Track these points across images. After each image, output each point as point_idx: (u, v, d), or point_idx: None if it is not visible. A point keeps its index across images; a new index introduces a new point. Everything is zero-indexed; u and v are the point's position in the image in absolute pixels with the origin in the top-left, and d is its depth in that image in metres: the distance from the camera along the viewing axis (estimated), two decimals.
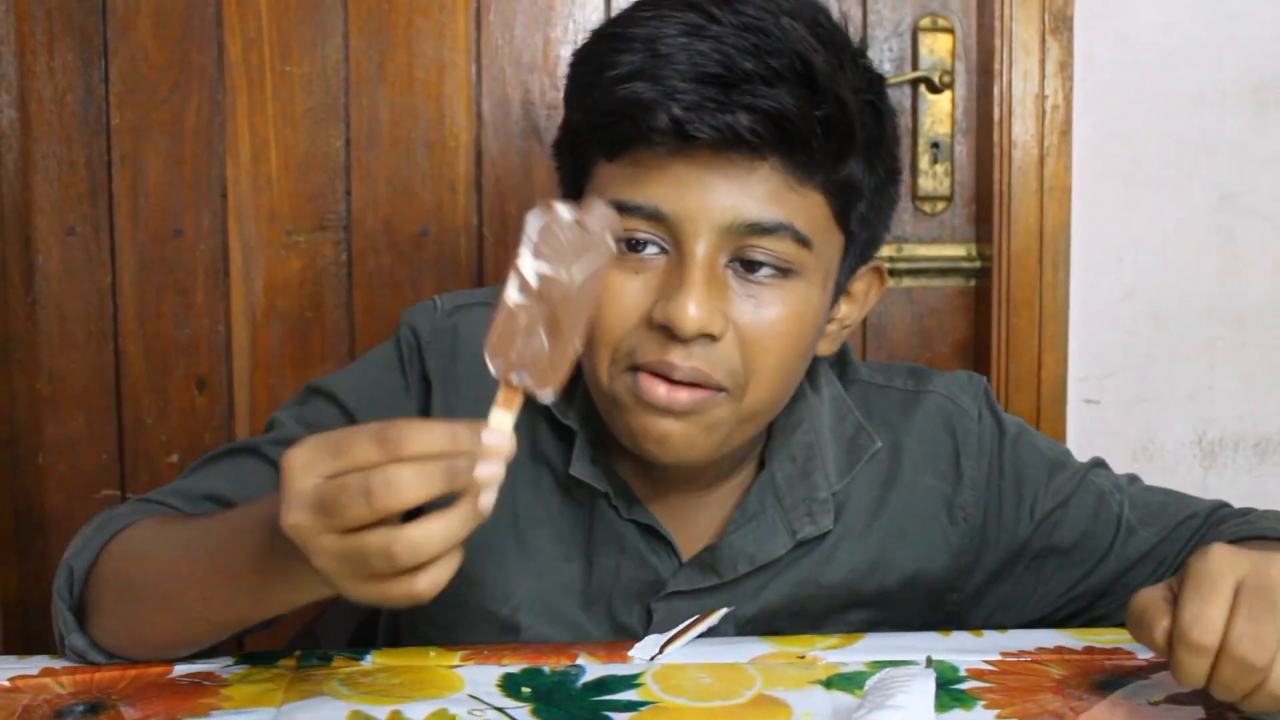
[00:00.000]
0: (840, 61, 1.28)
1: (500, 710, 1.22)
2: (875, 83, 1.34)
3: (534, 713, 1.22)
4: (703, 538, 1.45)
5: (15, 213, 2.18)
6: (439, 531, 1.01)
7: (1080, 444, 2.17)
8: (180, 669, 1.31)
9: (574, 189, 1.37)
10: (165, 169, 2.19)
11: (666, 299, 1.25)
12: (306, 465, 1.03)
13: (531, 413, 1.43)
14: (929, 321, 2.28)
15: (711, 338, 1.26)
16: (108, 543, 1.32)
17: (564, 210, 1.10)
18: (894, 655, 1.33)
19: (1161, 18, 2.21)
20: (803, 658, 1.34)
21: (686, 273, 1.25)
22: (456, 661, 1.33)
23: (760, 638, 1.40)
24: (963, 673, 1.30)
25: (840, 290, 1.38)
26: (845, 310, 1.42)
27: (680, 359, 1.25)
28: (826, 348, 1.42)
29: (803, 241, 1.27)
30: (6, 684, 1.28)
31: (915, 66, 2.21)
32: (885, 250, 2.14)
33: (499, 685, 1.28)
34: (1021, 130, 2.19)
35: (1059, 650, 1.36)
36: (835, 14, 1.34)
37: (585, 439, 1.40)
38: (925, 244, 2.23)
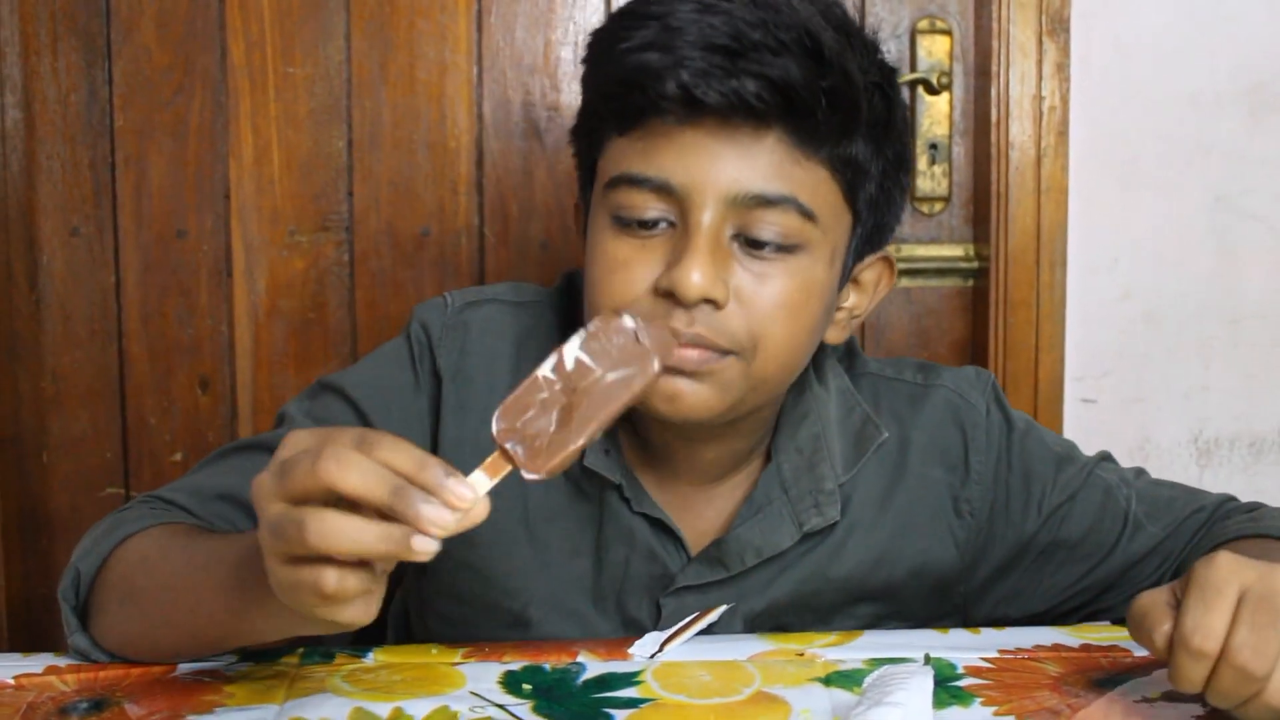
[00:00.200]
0: (850, 43, 1.30)
1: (501, 707, 1.23)
2: (886, 72, 1.37)
3: (535, 710, 1.22)
4: (710, 532, 1.46)
5: (20, 213, 2.18)
6: (350, 528, 0.99)
7: (1077, 443, 2.15)
8: (184, 667, 1.31)
9: (588, 169, 1.40)
10: (169, 170, 2.19)
11: (671, 267, 1.27)
12: (267, 492, 1.04)
13: None
14: (927, 321, 2.28)
15: (715, 305, 1.27)
16: (116, 547, 1.33)
17: (628, 319, 1.13)
18: (892, 653, 1.34)
19: (1158, 20, 2.21)
20: (802, 655, 1.34)
21: (691, 241, 1.27)
22: (458, 659, 1.34)
23: (759, 635, 1.41)
24: (960, 670, 1.31)
25: (848, 273, 1.39)
26: (855, 300, 1.43)
27: (683, 324, 1.26)
28: (835, 335, 1.43)
29: (807, 215, 1.29)
30: (11, 681, 1.29)
31: (913, 68, 2.21)
32: None
33: (500, 682, 1.28)
34: (1019, 131, 2.19)
35: (1056, 648, 1.37)
36: None
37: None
38: (923, 244, 2.24)
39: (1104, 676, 1.30)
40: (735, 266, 1.29)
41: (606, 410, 1.09)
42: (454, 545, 1.43)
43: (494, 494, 1.03)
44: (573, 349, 1.10)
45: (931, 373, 1.54)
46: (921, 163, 2.22)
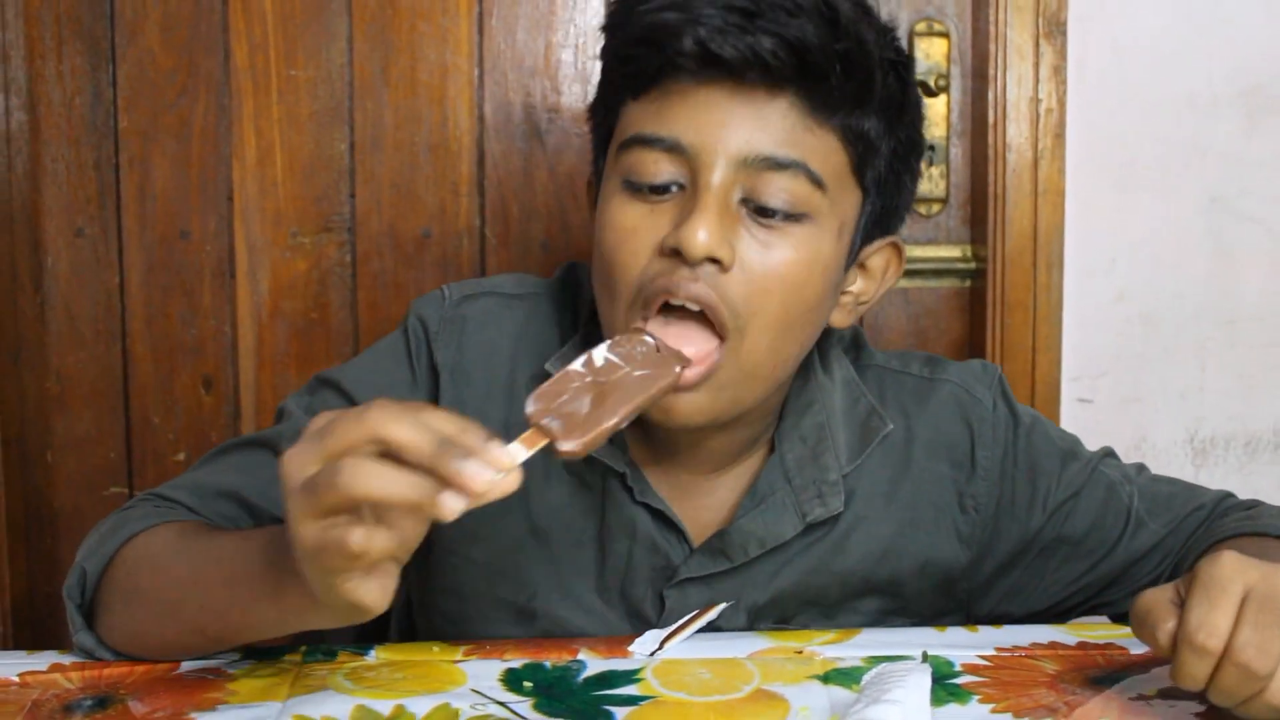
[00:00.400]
0: (866, 17, 1.31)
1: (502, 704, 1.23)
2: (902, 56, 1.37)
3: (536, 707, 1.23)
4: (713, 523, 1.45)
5: (24, 214, 2.18)
6: (387, 472, 1.00)
7: None
8: (187, 665, 1.32)
9: (602, 141, 1.39)
10: (172, 172, 2.19)
11: (678, 226, 1.27)
12: (301, 457, 1.05)
13: None
14: (925, 322, 2.28)
15: (720, 266, 1.27)
16: (121, 546, 1.33)
17: (649, 336, 1.25)
18: (890, 650, 1.35)
19: (1154, 23, 2.21)
20: (800, 653, 1.35)
21: (700, 200, 1.27)
22: (459, 656, 1.34)
23: (758, 632, 1.42)
24: (958, 667, 1.32)
25: (855, 253, 1.39)
26: (862, 285, 1.43)
27: (687, 282, 1.27)
28: (841, 319, 1.42)
29: (816, 182, 1.29)
30: (16, 679, 1.30)
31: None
32: None
33: (501, 680, 1.29)
34: (1016, 134, 2.19)
35: (1053, 645, 1.37)
36: None
37: None
38: (921, 245, 2.24)
39: (1101, 674, 1.30)
40: (741, 231, 1.29)
41: (636, 397, 1.18)
42: (457, 542, 1.45)
43: None
44: (601, 351, 1.21)
45: (938, 366, 1.54)
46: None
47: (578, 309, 1.49)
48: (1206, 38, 2.22)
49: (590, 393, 1.17)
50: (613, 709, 1.23)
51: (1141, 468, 1.58)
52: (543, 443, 1.11)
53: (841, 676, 1.29)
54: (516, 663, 1.33)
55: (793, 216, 1.29)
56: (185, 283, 2.22)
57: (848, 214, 1.34)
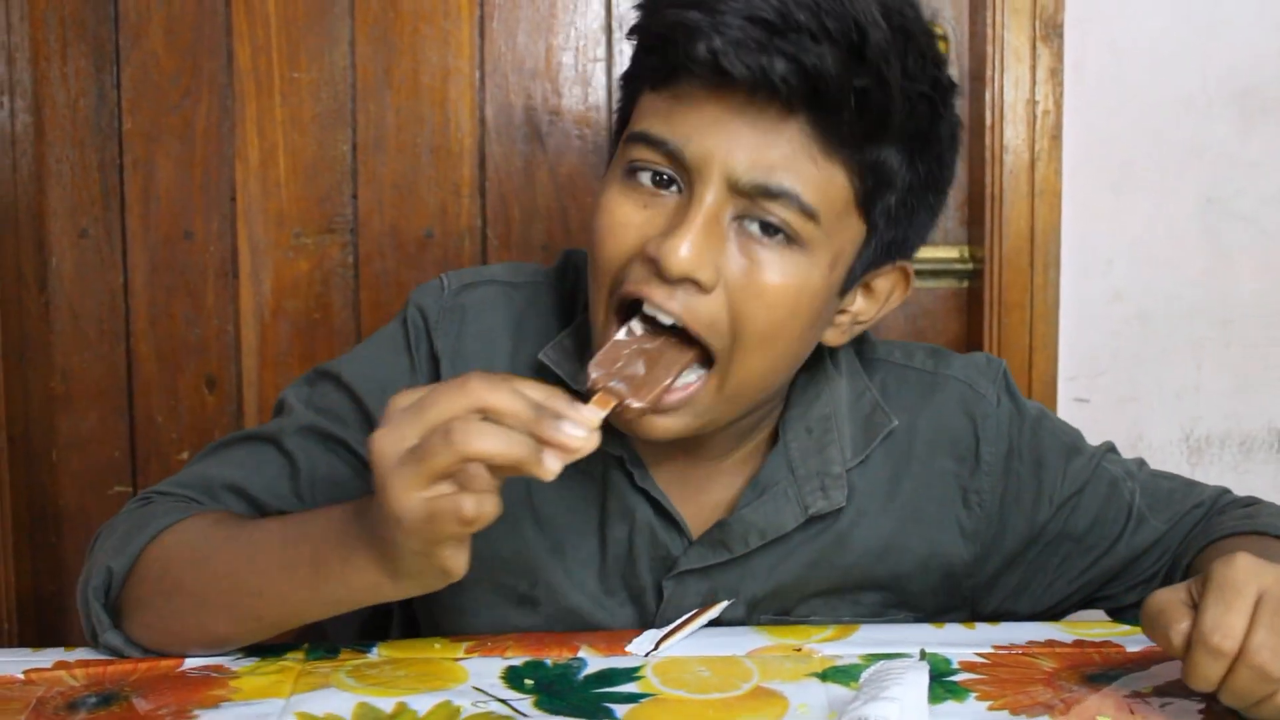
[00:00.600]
0: (903, 46, 1.24)
1: (504, 702, 1.23)
2: (940, 85, 1.30)
3: (537, 704, 1.23)
4: (715, 511, 1.44)
5: (29, 215, 2.18)
6: (496, 430, 1.05)
7: None
8: (191, 662, 1.32)
9: (624, 118, 1.36)
10: (176, 173, 2.20)
11: (664, 235, 1.24)
12: (396, 437, 1.08)
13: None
14: (922, 322, 2.28)
15: (699, 286, 1.24)
16: (148, 544, 1.33)
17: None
18: (888, 648, 1.35)
19: (1150, 25, 2.21)
20: (799, 650, 1.35)
21: (689, 214, 1.23)
22: (461, 654, 1.34)
23: (757, 629, 1.41)
24: (956, 665, 1.32)
25: (854, 281, 1.35)
26: (862, 305, 1.39)
27: (661, 296, 1.24)
28: (835, 338, 1.39)
29: (808, 214, 1.24)
30: (21, 676, 1.29)
31: None
32: None
33: (502, 677, 1.29)
34: (1013, 135, 2.19)
35: (1050, 643, 1.37)
36: None
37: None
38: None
39: (1097, 672, 1.30)
40: (729, 249, 1.25)
41: (681, 358, 1.24)
42: None
43: None
44: (637, 323, 1.26)
45: (942, 360, 1.52)
46: None
47: (575, 296, 1.48)
48: (1202, 40, 2.22)
49: (641, 357, 1.23)
50: (613, 706, 1.23)
51: (1142, 463, 1.57)
52: (613, 403, 1.18)
53: (840, 674, 1.29)
54: (518, 660, 1.33)
55: (786, 238, 1.25)
56: (189, 283, 2.23)
57: (845, 246, 1.30)
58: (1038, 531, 1.50)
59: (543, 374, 1.43)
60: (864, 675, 1.20)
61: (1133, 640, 1.38)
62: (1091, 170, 2.23)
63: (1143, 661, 1.32)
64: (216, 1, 2.17)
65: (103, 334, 2.23)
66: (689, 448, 1.40)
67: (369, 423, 1.44)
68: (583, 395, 1.38)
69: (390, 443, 1.07)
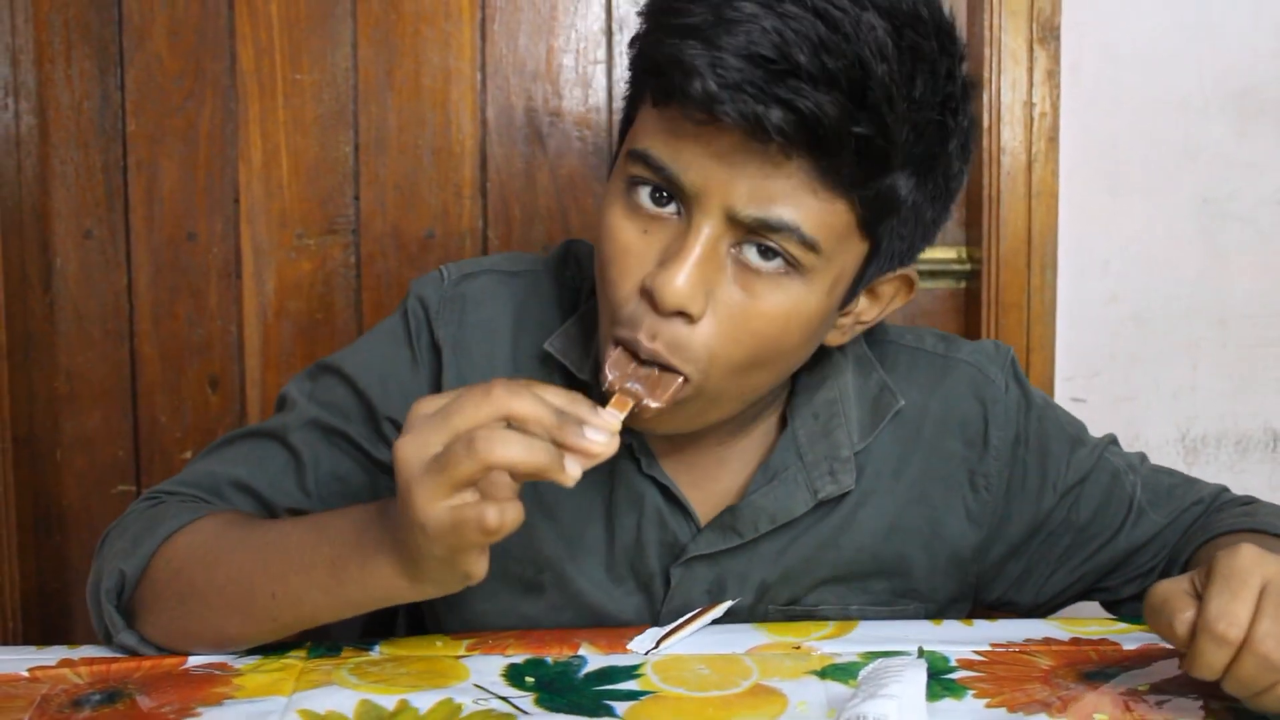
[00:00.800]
0: (911, 71, 1.20)
1: (505, 699, 1.24)
2: (953, 99, 1.26)
3: (537, 702, 1.23)
4: (723, 498, 1.44)
5: (34, 216, 2.19)
6: (519, 439, 1.06)
7: None
8: (194, 660, 1.32)
9: (627, 118, 1.34)
10: (179, 174, 2.20)
11: (660, 267, 1.22)
12: (420, 445, 1.09)
13: (545, 373, 1.44)
14: (920, 322, 2.27)
15: (688, 318, 1.22)
16: (160, 545, 1.34)
17: None
18: (887, 646, 1.35)
19: (1146, 28, 2.21)
20: (798, 648, 1.35)
21: (686, 245, 1.21)
22: (462, 651, 1.35)
23: (756, 626, 1.42)
24: (954, 663, 1.32)
25: (856, 293, 1.34)
26: (864, 306, 1.37)
27: (646, 338, 1.23)
28: (837, 338, 1.37)
29: (809, 245, 1.22)
30: (25, 674, 1.30)
31: None
32: None
33: (503, 675, 1.29)
34: (1010, 137, 2.19)
35: (1047, 641, 1.38)
36: None
37: (600, 394, 1.30)
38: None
39: (1094, 669, 1.31)
40: (724, 279, 1.23)
41: (674, 383, 1.25)
42: None
43: None
44: None
45: (952, 344, 1.52)
46: None
47: (577, 286, 1.48)
48: (1197, 42, 2.22)
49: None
50: (613, 704, 1.24)
51: (1144, 457, 1.58)
52: (630, 404, 1.20)
53: (838, 672, 1.30)
54: (518, 658, 1.33)
55: (787, 263, 1.24)
56: (192, 283, 2.23)
57: (846, 266, 1.28)
58: (1042, 519, 1.51)
59: (547, 363, 1.44)
60: (862, 673, 1.20)
61: (1130, 638, 1.38)
62: (1088, 172, 2.23)
63: (1140, 659, 1.33)
64: (220, 4, 2.17)
65: (106, 334, 2.23)
66: (696, 435, 1.40)
67: (372, 416, 1.45)
68: (588, 385, 1.40)
69: (414, 450, 1.08)
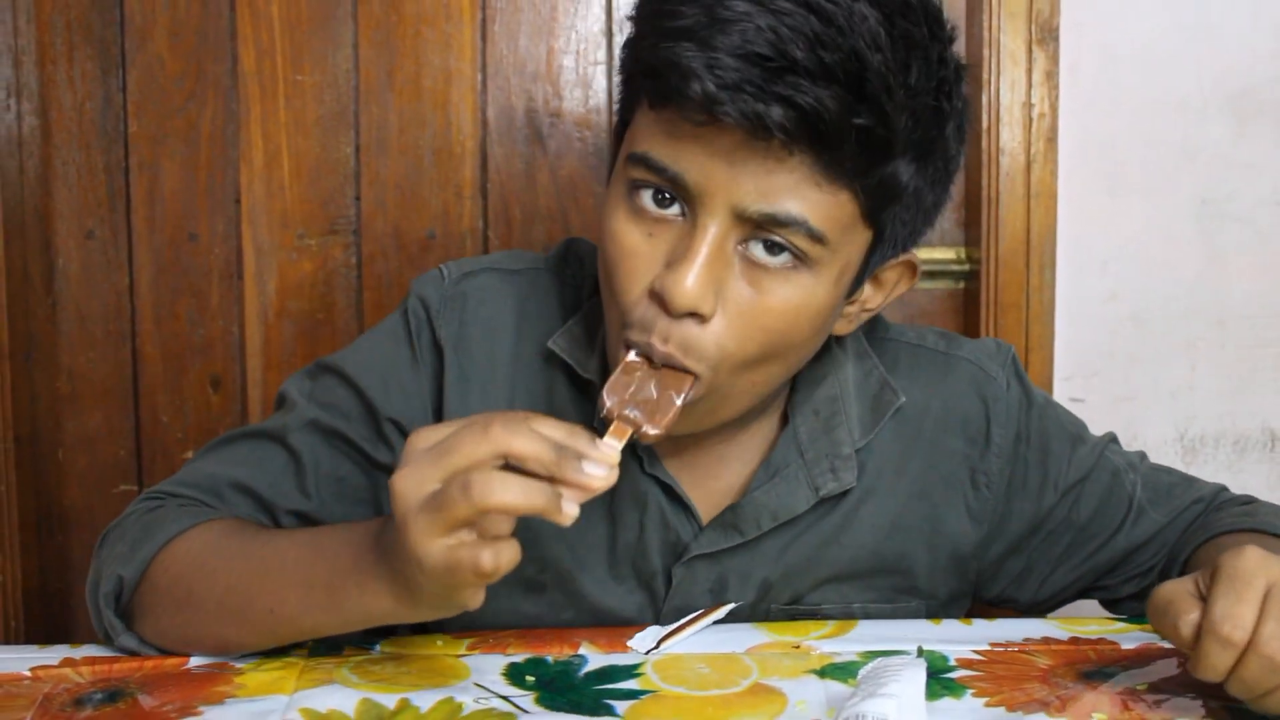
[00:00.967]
0: (906, 59, 1.20)
1: (505, 698, 1.24)
2: (946, 83, 1.27)
3: (538, 701, 1.24)
4: (725, 496, 1.44)
5: (36, 217, 2.19)
6: (515, 482, 1.06)
7: None
8: (196, 659, 1.33)
9: (623, 121, 1.33)
10: (181, 175, 2.20)
11: (668, 268, 1.22)
12: (417, 481, 1.09)
13: (549, 371, 1.44)
14: (919, 322, 2.18)
15: (700, 318, 1.22)
16: (159, 551, 1.34)
17: None
18: (886, 645, 1.35)
19: (1144, 29, 2.21)
20: (798, 647, 1.36)
21: (693, 246, 1.21)
22: (463, 651, 1.35)
23: (756, 625, 1.42)
24: (953, 662, 1.32)
25: (862, 281, 1.34)
26: (869, 293, 1.38)
27: (659, 341, 1.23)
28: (844, 327, 1.38)
29: (816, 238, 1.22)
30: (27, 673, 1.30)
31: None
32: None
33: (504, 674, 1.30)
34: (1009, 138, 2.19)
35: (1046, 640, 1.38)
36: None
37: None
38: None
39: (1092, 669, 1.31)
40: (732, 277, 1.23)
41: (683, 386, 1.24)
42: None
43: None
44: None
45: (954, 342, 1.52)
46: None
47: (579, 284, 1.48)
48: (1196, 44, 2.22)
49: (653, 379, 1.23)
50: (614, 703, 1.24)
51: (1143, 456, 1.58)
52: (629, 433, 1.19)
53: (838, 671, 1.30)
54: (519, 657, 1.34)
55: (794, 257, 1.24)
56: (193, 284, 2.23)
57: (852, 256, 1.28)
58: (1043, 517, 1.51)
59: (550, 361, 1.44)
60: (862, 672, 1.20)
61: (1128, 637, 1.39)
62: (1087, 172, 2.23)
63: (1138, 659, 1.33)
64: (221, 5, 2.17)
65: (108, 334, 2.23)
66: (698, 434, 1.39)
67: (373, 416, 1.45)
68: (591, 386, 1.41)
69: (411, 486, 1.09)
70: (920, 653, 1.35)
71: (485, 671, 1.31)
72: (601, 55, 2.20)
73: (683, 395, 1.23)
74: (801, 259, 1.24)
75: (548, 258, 1.51)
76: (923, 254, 2.22)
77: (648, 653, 1.35)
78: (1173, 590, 1.18)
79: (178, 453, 2.25)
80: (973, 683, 1.28)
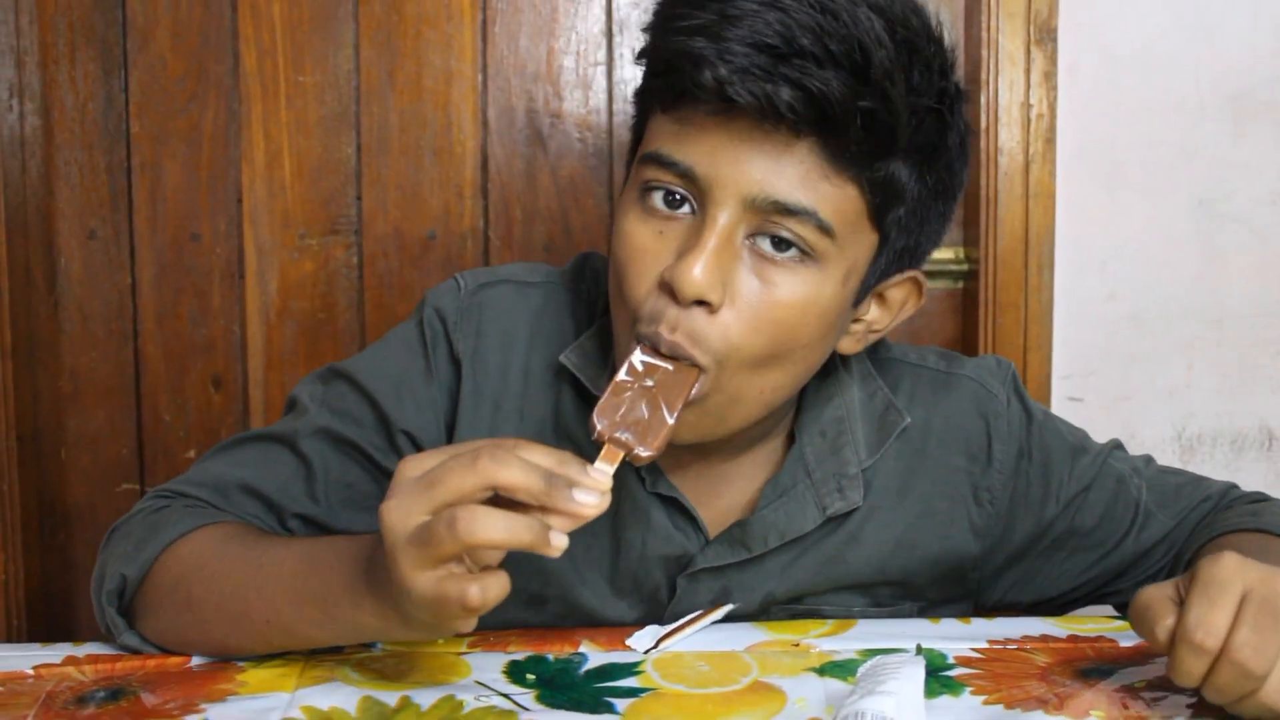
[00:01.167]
0: (908, 62, 1.24)
1: (506, 696, 1.24)
2: (948, 95, 1.30)
3: (538, 699, 1.24)
4: (729, 513, 1.44)
5: (38, 217, 2.19)
6: (501, 519, 1.06)
7: None
8: (198, 658, 1.33)
9: (637, 137, 1.35)
10: (183, 175, 2.20)
11: (678, 260, 1.24)
12: (404, 513, 1.09)
13: (556, 386, 1.44)
14: (918, 322, 2.28)
15: (708, 307, 1.24)
16: (161, 552, 1.34)
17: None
18: (885, 643, 1.35)
19: (1142, 30, 2.21)
20: (797, 645, 1.36)
21: (702, 237, 1.23)
22: (464, 649, 1.35)
23: (756, 624, 1.42)
24: (951, 660, 1.32)
25: (867, 290, 1.35)
26: (876, 314, 1.38)
27: (667, 330, 1.24)
28: (850, 346, 1.39)
29: (825, 230, 1.24)
30: (30, 672, 1.30)
31: None
32: None
33: (504, 672, 1.30)
34: (1008, 138, 2.20)
35: (1044, 638, 1.38)
36: None
37: None
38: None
39: (1091, 667, 1.31)
40: (741, 268, 1.25)
41: (682, 392, 1.23)
42: None
43: None
44: (638, 356, 1.24)
45: (954, 361, 1.52)
46: None
47: (593, 300, 1.48)
48: (1194, 44, 2.22)
49: (644, 398, 1.22)
50: (614, 700, 1.24)
51: (1149, 459, 1.58)
52: (622, 455, 1.18)
53: (837, 669, 1.30)
54: (519, 655, 1.34)
55: (801, 253, 1.25)
56: (195, 284, 2.23)
57: (859, 258, 1.30)
58: (1044, 529, 1.51)
59: (560, 376, 1.44)
60: (861, 670, 1.20)
61: (1126, 635, 1.39)
62: (1085, 172, 2.24)
63: (1136, 657, 1.33)
64: (223, 6, 2.18)
65: (110, 334, 2.24)
66: (703, 450, 1.40)
67: (385, 425, 1.45)
68: (592, 400, 1.39)
69: (399, 518, 1.09)
70: (919, 650, 1.35)
71: (486, 669, 1.31)
72: (602, 56, 2.20)
73: (686, 394, 1.23)
74: (809, 254, 1.25)
75: (562, 272, 1.51)
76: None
77: (646, 652, 1.36)
78: (1151, 595, 1.19)
79: (179, 452, 2.26)
80: (971, 680, 1.28)
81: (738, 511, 1.45)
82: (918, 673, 1.17)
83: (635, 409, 1.22)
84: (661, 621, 1.45)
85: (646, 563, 1.45)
